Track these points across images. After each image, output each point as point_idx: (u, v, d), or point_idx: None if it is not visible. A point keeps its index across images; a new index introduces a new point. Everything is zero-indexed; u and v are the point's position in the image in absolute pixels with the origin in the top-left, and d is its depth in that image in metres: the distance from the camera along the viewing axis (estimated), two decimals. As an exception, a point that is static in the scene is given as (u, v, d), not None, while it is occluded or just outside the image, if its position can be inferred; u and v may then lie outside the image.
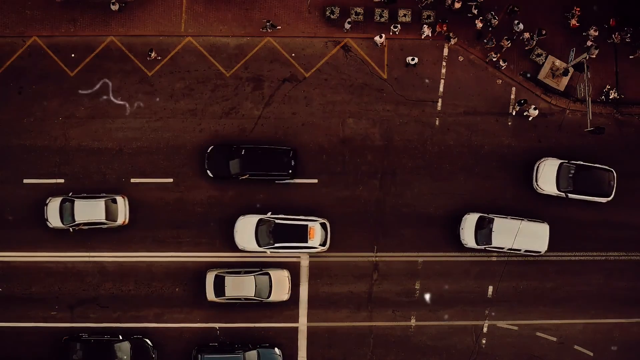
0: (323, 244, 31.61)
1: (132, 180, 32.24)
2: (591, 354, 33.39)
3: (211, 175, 31.86)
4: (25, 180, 32.01)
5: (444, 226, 32.85)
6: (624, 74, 33.29)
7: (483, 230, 31.65)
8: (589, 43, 32.21)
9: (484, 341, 33.19)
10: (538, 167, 32.24)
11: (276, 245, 31.16)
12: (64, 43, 32.34)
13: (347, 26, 32.31)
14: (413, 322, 32.96)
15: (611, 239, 33.25)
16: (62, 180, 32.05)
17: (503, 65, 32.46)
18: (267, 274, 31.40)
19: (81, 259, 32.06)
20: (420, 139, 33.04)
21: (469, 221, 31.89)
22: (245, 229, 31.34)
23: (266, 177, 31.80)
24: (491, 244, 31.65)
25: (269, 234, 31.09)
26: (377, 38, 32.16)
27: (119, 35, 32.39)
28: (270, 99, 32.74)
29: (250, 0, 32.64)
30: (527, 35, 32.20)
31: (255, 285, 31.19)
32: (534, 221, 32.07)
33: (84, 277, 32.11)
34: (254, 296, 31.21)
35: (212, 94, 32.65)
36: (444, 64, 33.18)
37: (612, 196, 32.25)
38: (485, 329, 33.13)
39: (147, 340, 31.64)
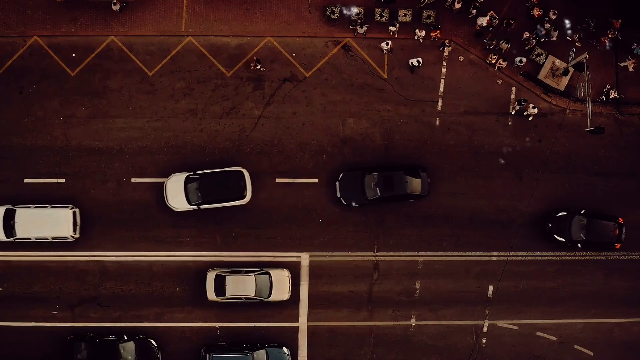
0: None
1: (133, 180, 32.27)
2: (591, 353, 33.42)
3: None
4: (26, 180, 32.03)
5: (444, 225, 32.88)
6: (624, 74, 33.31)
7: (10, 223, 30.72)
8: (547, 26, 32.28)
9: (484, 341, 33.22)
10: (166, 185, 31.47)
11: None
12: (64, 43, 32.37)
13: (361, 30, 32.32)
14: (413, 321, 32.99)
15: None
16: (62, 180, 32.09)
17: (503, 64, 32.50)
18: (268, 273, 31.44)
19: (82, 259, 32.09)
20: (421, 138, 33.07)
21: None
22: None
23: None
24: (17, 236, 30.86)
25: None
26: (383, 45, 32.22)
27: (120, 35, 32.43)
28: (270, 98, 32.78)
29: (251, 0, 32.69)
30: (526, 34, 32.27)
31: (256, 285, 31.22)
32: (58, 207, 31.12)
33: (85, 276, 32.14)
34: (255, 296, 31.24)
35: (212, 93, 32.69)
36: (444, 63, 33.21)
37: (247, 197, 31.41)
38: (485, 329, 33.16)
39: (152, 340, 31.66)
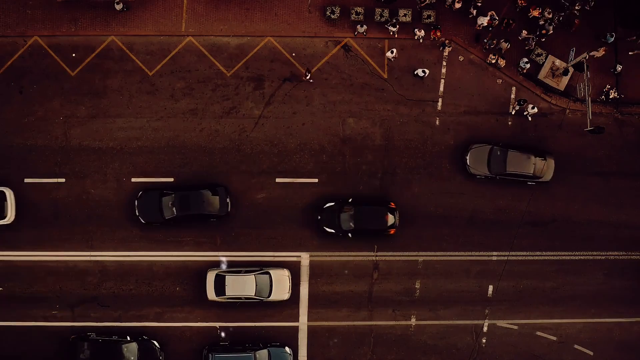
0: None
1: (133, 179, 32.29)
2: (591, 353, 33.42)
3: None
4: (26, 180, 32.04)
5: (444, 225, 32.89)
6: (623, 74, 33.32)
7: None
8: (541, 22, 32.26)
9: (484, 340, 33.22)
10: None
11: None
12: (65, 43, 32.40)
13: (361, 29, 32.34)
14: (413, 321, 32.99)
15: (611, 239, 33.28)
16: (63, 180, 32.10)
17: (501, 63, 32.48)
18: (268, 273, 31.45)
19: (82, 258, 32.10)
20: (421, 138, 33.08)
21: None
22: None
23: None
24: None
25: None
26: (388, 54, 32.25)
27: (120, 34, 32.45)
28: (270, 98, 32.79)
29: (251, 0, 32.70)
30: (524, 33, 32.26)
31: (256, 285, 31.23)
32: None
33: (85, 276, 32.15)
34: (255, 295, 31.25)
35: (212, 93, 32.71)
36: (444, 63, 33.23)
37: (8, 217, 30.93)
38: (485, 328, 33.17)
39: (155, 341, 31.64)
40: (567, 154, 33.28)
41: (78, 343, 30.98)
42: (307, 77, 32.18)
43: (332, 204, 32.03)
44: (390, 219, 31.69)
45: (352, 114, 32.97)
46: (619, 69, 32.40)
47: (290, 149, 32.76)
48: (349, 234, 31.93)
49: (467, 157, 32.31)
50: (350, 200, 32.09)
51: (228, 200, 31.70)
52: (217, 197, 31.44)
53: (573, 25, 32.37)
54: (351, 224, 31.61)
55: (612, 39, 32.38)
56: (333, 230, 31.85)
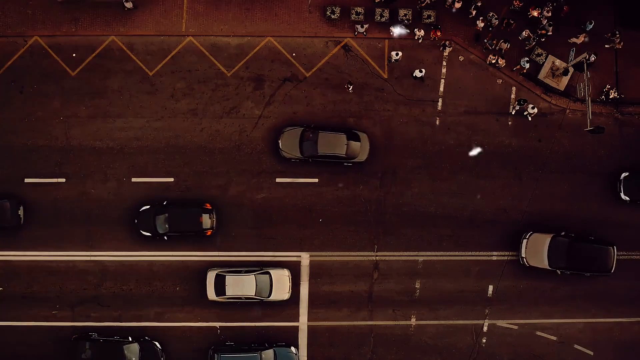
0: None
1: (133, 179, 32.30)
2: (591, 353, 33.42)
3: None
4: (26, 180, 32.06)
5: (444, 225, 32.90)
6: (624, 74, 33.34)
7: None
8: (543, 22, 32.30)
9: (484, 340, 33.23)
10: None
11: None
12: (65, 43, 32.41)
13: (361, 29, 32.35)
14: (413, 321, 33.00)
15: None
16: (63, 180, 32.11)
17: (501, 63, 32.49)
18: (268, 273, 31.46)
19: (82, 258, 32.11)
20: (421, 138, 33.08)
21: None
22: None
23: None
24: None
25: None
26: (393, 54, 32.27)
27: (120, 34, 32.47)
28: (271, 98, 32.81)
29: (251, 0, 32.72)
30: (525, 33, 32.27)
31: (256, 285, 31.25)
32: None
33: (85, 276, 32.16)
34: (255, 295, 31.26)
35: (212, 93, 32.73)
36: (444, 63, 33.24)
37: None
38: (485, 328, 33.17)
39: (156, 342, 31.63)
40: (568, 154, 33.27)
41: (79, 343, 30.98)
42: (350, 89, 32.25)
43: (148, 207, 31.69)
44: (205, 220, 31.40)
45: (352, 114, 32.98)
46: (593, 59, 32.18)
47: (290, 149, 32.79)
48: (165, 237, 31.73)
49: (280, 141, 32.10)
50: (165, 203, 31.81)
51: (20, 212, 31.36)
52: (9, 208, 30.97)
53: (562, 12, 32.33)
54: (167, 226, 31.34)
55: (591, 27, 32.28)
56: (150, 234, 31.59)
